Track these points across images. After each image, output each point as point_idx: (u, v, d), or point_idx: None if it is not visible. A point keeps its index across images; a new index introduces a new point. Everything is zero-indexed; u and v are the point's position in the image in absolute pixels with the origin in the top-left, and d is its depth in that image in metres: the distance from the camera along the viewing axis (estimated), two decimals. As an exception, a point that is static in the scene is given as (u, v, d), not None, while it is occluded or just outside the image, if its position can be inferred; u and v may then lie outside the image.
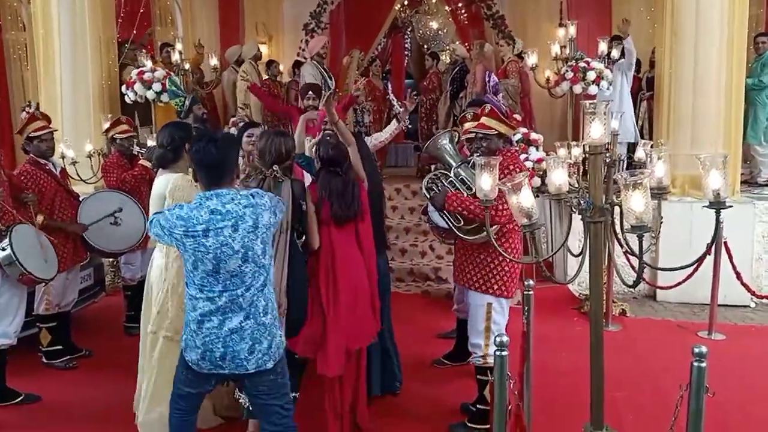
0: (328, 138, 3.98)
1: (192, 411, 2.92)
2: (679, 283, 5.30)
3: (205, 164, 2.67)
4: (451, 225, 3.80)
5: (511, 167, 3.60)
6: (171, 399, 2.91)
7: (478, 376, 3.83)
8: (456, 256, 4.09)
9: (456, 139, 4.32)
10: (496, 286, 3.71)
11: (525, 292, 3.26)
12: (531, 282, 3.30)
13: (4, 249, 3.93)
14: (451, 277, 6.20)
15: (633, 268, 4.57)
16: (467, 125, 4.08)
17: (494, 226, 3.63)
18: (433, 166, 4.48)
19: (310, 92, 5.88)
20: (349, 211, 3.62)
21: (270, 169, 3.40)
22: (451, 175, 3.90)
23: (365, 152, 4.02)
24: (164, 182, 3.51)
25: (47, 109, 6.54)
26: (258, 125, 4.74)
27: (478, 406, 3.82)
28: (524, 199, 2.41)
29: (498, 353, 2.38)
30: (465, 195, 3.76)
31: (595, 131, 2.58)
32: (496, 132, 3.76)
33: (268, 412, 2.82)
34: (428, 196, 3.89)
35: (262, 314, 2.69)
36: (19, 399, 4.21)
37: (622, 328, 5.54)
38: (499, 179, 2.78)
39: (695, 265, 3.07)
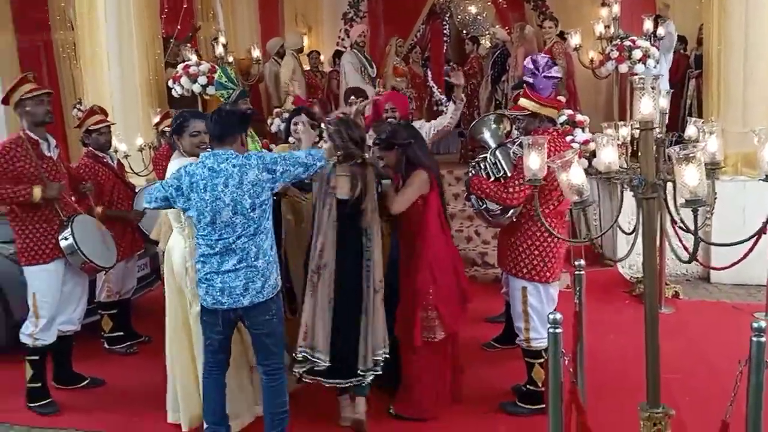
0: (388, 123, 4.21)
1: (218, 366, 3.39)
2: (734, 264, 5.15)
3: (209, 130, 3.32)
4: (478, 208, 3.84)
5: (553, 145, 3.57)
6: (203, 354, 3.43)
7: (526, 359, 3.86)
8: (498, 240, 4.12)
9: (500, 122, 4.32)
10: (525, 270, 3.73)
11: (576, 272, 3.25)
12: (581, 262, 3.28)
13: (66, 239, 4.07)
14: (497, 262, 6.21)
15: (686, 249, 4.55)
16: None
17: (513, 209, 3.67)
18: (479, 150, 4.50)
19: (352, 96, 5.61)
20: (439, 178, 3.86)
21: (361, 152, 3.60)
22: (488, 158, 3.92)
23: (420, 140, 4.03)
24: (173, 167, 3.59)
25: (96, 106, 6.74)
26: (312, 112, 4.74)
27: (528, 386, 3.84)
28: (574, 176, 2.41)
29: (552, 330, 2.39)
30: (488, 178, 3.80)
31: (645, 106, 2.56)
32: (529, 112, 3.76)
33: (261, 349, 3.34)
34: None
35: (253, 259, 3.17)
36: (85, 383, 4.42)
37: (676, 310, 5.45)
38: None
39: (750, 244, 3.01)
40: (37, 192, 3.95)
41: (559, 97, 6.36)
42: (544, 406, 3.61)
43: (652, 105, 2.61)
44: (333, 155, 3.53)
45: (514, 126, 4.27)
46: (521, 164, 3.57)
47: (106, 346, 5.03)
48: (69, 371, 4.42)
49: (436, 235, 3.75)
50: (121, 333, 5.06)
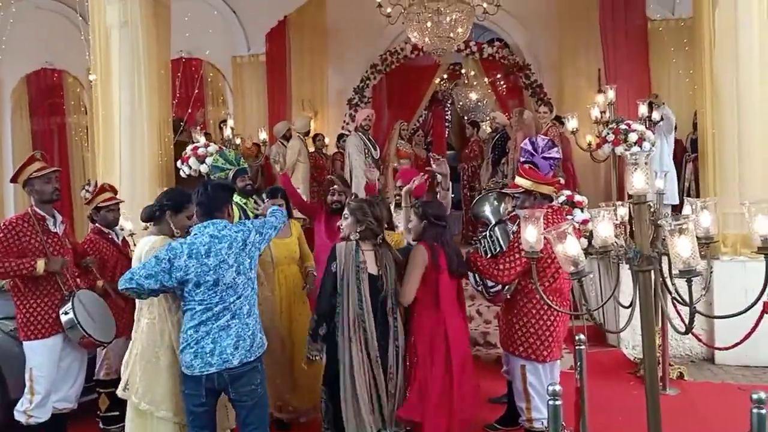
0: (429, 199, 4.29)
1: None
2: (738, 343, 5.10)
3: (199, 202, 3.42)
4: (476, 285, 3.90)
5: (550, 219, 3.65)
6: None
7: None
8: (498, 319, 4.14)
9: (501, 200, 4.42)
10: (522, 348, 3.75)
11: (576, 347, 3.24)
12: (582, 336, 3.28)
13: (66, 313, 4.10)
14: (499, 342, 6.17)
15: (684, 322, 4.51)
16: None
17: (507, 286, 3.71)
18: (480, 229, 4.57)
19: (335, 186, 5.30)
20: (462, 267, 3.83)
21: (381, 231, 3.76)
22: (487, 234, 4.00)
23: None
24: (144, 245, 3.63)
25: (106, 185, 6.89)
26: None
27: None
28: (570, 246, 2.46)
29: (551, 402, 2.37)
30: (486, 254, 3.84)
31: (638, 181, 2.63)
32: (522, 189, 3.86)
33: (249, 424, 3.32)
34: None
35: (246, 316, 3.30)
36: None
37: (681, 391, 5.35)
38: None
39: (753, 324, 3.01)
40: (40, 265, 4.01)
41: (558, 179, 6.53)
42: None
43: (644, 180, 2.69)
44: (353, 231, 3.71)
45: (512, 204, 4.36)
46: (516, 240, 3.65)
47: (101, 425, 4.93)
48: None
49: (425, 309, 3.74)
50: (117, 413, 4.96)
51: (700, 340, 5.35)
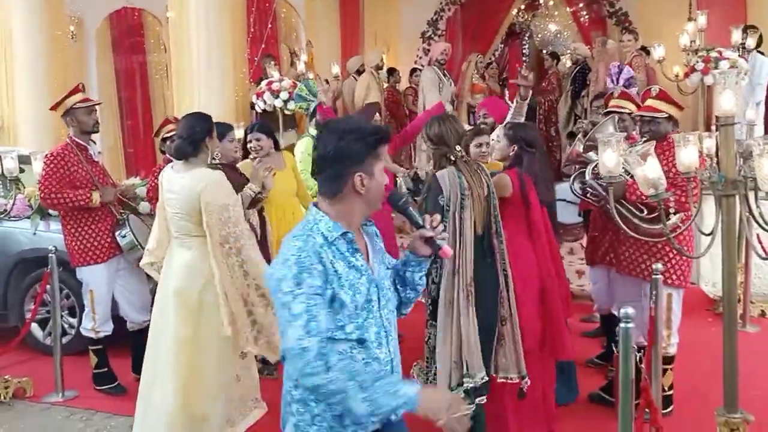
0: (523, 122, 3.98)
1: None
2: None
3: (322, 156, 1.96)
4: (632, 216, 3.54)
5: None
6: None
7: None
8: (623, 247, 3.80)
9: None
10: (675, 276, 3.62)
11: (654, 276, 3.17)
12: (659, 266, 3.20)
13: (124, 236, 4.35)
14: (572, 277, 6.07)
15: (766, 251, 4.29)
16: (614, 102, 4.04)
17: (678, 214, 3.28)
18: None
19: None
20: (549, 194, 3.63)
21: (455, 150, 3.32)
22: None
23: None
24: (198, 177, 3.39)
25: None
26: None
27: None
28: (650, 169, 2.38)
29: (623, 325, 2.34)
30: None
31: (726, 101, 2.51)
32: (666, 115, 3.64)
33: None
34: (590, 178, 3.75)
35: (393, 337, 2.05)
36: None
37: (761, 329, 5.18)
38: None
39: None
40: (95, 197, 4.24)
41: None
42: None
43: (733, 100, 2.56)
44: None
45: (635, 130, 4.11)
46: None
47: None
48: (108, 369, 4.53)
49: (512, 238, 3.43)
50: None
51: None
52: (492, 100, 5.06)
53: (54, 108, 4.40)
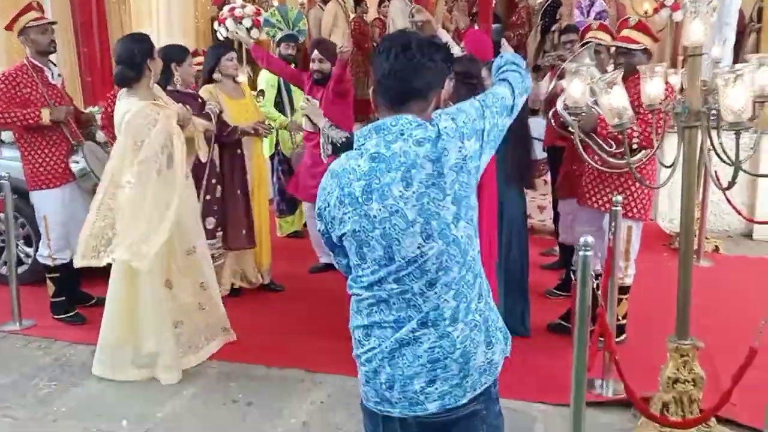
0: (465, 55, 3.79)
1: None
2: (778, 218, 5.06)
3: (388, 81, 1.67)
4: (599, 150, 3.49)
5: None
6: None
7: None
8: (587, 179, 3.84)
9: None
10: (636, 209, 3.66)
11: (612, 208, 3.21)
12: (619, 197, 3.24)
13: (77, 162, 4.29)
14: (534, 212, 6.16)
15: (731, 204, 4.37)
16: (592, 34, 3.96)
17: (644, 151, 3.35)
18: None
19: (316, 51, 4.82)
20: None
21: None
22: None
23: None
24: (123, 109, 3.39)
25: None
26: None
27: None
28: (615, 98, 2.37)
29: (582, 253, 2.38)
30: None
31: (695, 31, 2.49)
32: (643, 47, 3.60)
33: None
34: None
35: (448, 323, 1.64)
36: (93, 302, 4.51)
37: (714, 264, 5.35)
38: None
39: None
40: (45, 114, 4.08)
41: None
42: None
43: (702, 30, 2.54)
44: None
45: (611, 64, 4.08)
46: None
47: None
48: (78, 292, 4.54)
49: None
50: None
51: (739, 213, 5.27)
52: (472, 33, 4.79)
53: (9, 27, 4.22)
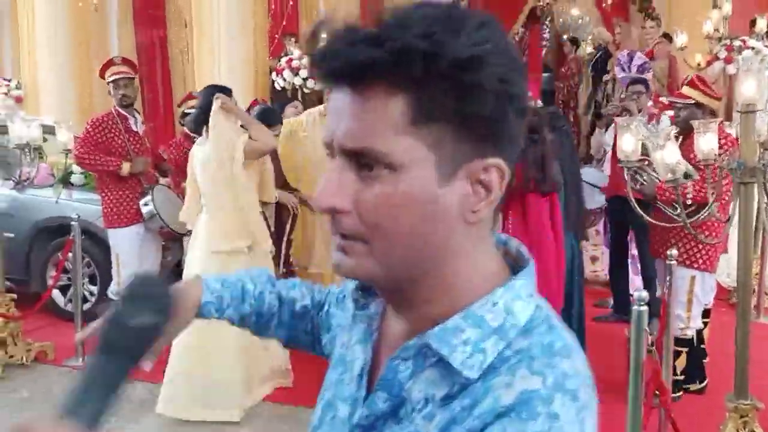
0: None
1: None
2: None
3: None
4: (670, 213, 3.47)
5: (721, 141, 3.31)
6: None
7: (675, 348, 3.65)
8: (653, 232, 3.94)
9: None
10: (701, 260, 3.66)
11: (667, 262, 3.19)
12: (674, 251, 3.22)
13: (146, 204, 4.52)
14: (585, 263, 6.08)
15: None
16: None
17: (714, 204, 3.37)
18: None
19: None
20: (545, 185, 3.36)
21: None
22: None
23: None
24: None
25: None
26: None
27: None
28: (668, 153, 2.40)
29: (636, 308, 2.37)
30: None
31: (748, 87, 2.51)
32: (693, 102, 3.67)
33: None
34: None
35: None
36: None
37: (776, 320, 5.18)
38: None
39: None
40: (125, 167, 4.43)
41: (661, 99, 6.20)
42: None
43: (755, 87, 2.55)
44: None
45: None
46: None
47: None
48: None
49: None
50: None
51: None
52: None
53: (101, 75, 4.64)
